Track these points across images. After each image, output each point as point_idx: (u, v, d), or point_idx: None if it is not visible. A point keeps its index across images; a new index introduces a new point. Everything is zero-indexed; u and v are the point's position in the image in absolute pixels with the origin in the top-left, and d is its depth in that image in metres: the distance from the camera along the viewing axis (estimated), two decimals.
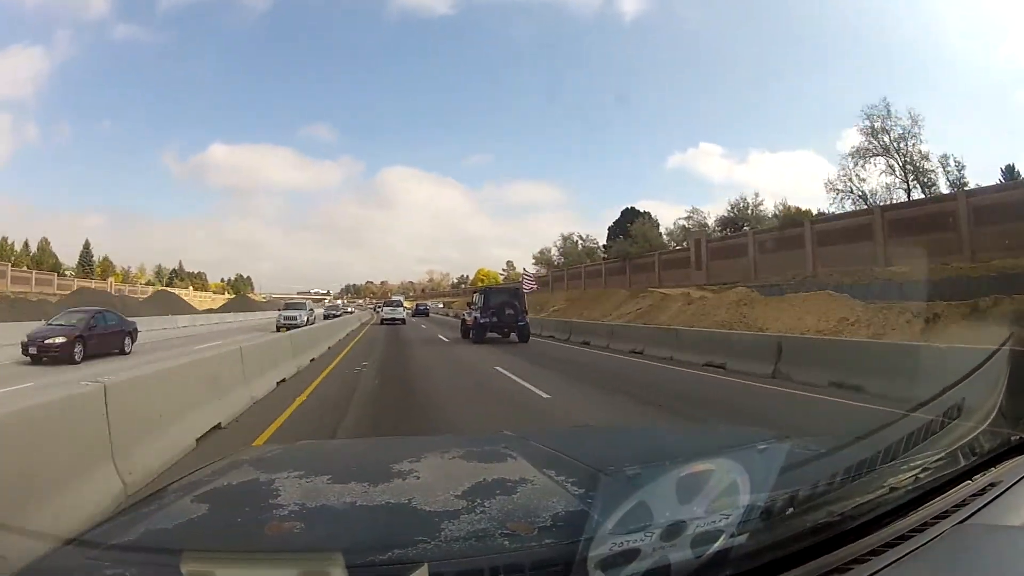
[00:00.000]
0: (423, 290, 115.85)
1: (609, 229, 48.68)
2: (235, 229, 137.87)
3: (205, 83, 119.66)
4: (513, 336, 17.27)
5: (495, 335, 17.28)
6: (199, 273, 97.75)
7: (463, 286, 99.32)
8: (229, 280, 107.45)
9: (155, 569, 0.73)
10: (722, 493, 0.87)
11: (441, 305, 76.91)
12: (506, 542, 0.87)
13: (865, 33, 79.72)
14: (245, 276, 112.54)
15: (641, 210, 46.57)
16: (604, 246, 48.66)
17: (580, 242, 52.25)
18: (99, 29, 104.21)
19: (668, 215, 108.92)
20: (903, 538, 0.92)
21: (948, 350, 6.13)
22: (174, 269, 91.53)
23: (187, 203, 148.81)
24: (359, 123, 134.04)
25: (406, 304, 56.03)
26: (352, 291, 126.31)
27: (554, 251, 54.49)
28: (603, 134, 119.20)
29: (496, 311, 16.87)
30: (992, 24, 50.15)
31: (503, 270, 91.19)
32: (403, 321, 33.36)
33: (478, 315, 17.22)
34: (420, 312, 52.54)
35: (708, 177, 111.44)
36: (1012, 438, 1.26)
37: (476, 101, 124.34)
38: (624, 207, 49.18)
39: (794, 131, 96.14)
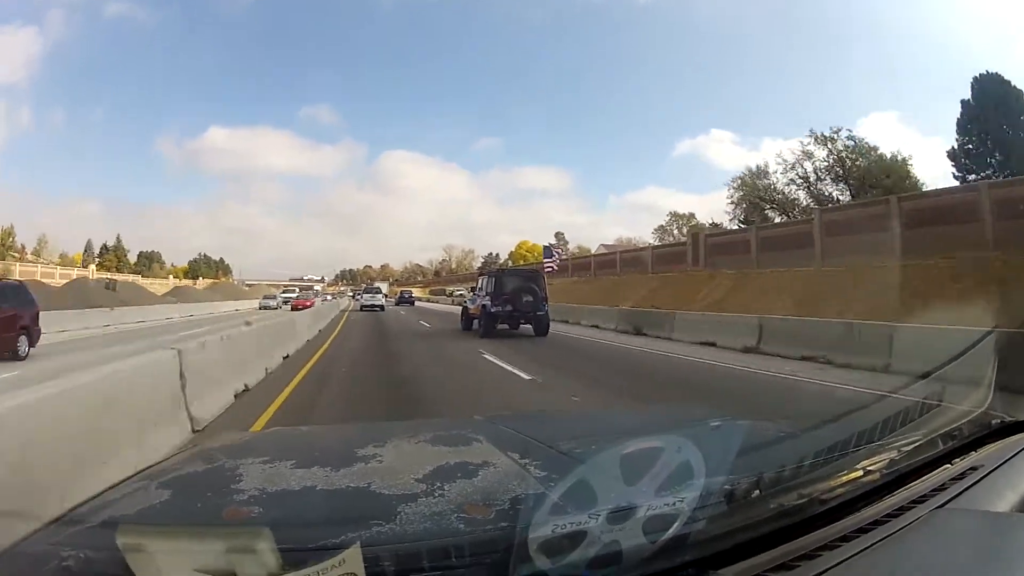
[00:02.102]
0: (437, 273, 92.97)
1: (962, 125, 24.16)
2: (232, 215, 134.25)
3: (199, 63, 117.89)
4: (526, 328, 14.45)
5: (503, 326, 14.39)
6: (151, 252, 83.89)
7: (496, 265, 70.90)
8: (197, 261, 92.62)
9: (108, 552, 0.71)
10: (674, 473, 0.84)
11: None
12: (461, 525, 0.86)
13: (883, 18, 77.37)
14: (217, 259, 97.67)
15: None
16: (963, 145, 23.97)
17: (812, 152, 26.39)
18: (89, 5, 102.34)
19: (676, 204, 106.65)
20: (877, 523, 0.89)
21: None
22: (106, 245, 75.06)
23: (183, 189, 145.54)
24: (360, 105, 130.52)
25: (387, 291, 54.17)
26: (348, 276, 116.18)
27: (728, 202, 31.33)
28: (612, 118, 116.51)
29: (511, 298, 13.82)
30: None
31: (551, 244, 77.47)
32: (382, 308, 32.36)
33: (488, 303, 14.20)
34: (404, 300, 44.55)
35: (719, 164, 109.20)
36: (993, 422, 1.23)
37: (482, 82, 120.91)
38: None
39: (809, 118, 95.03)
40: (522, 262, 60.37)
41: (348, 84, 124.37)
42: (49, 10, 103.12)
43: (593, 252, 54.33)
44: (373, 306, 32.22)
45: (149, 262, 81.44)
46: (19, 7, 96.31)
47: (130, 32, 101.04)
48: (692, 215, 52.59)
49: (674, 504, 0.78)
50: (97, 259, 71.48)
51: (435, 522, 0.86)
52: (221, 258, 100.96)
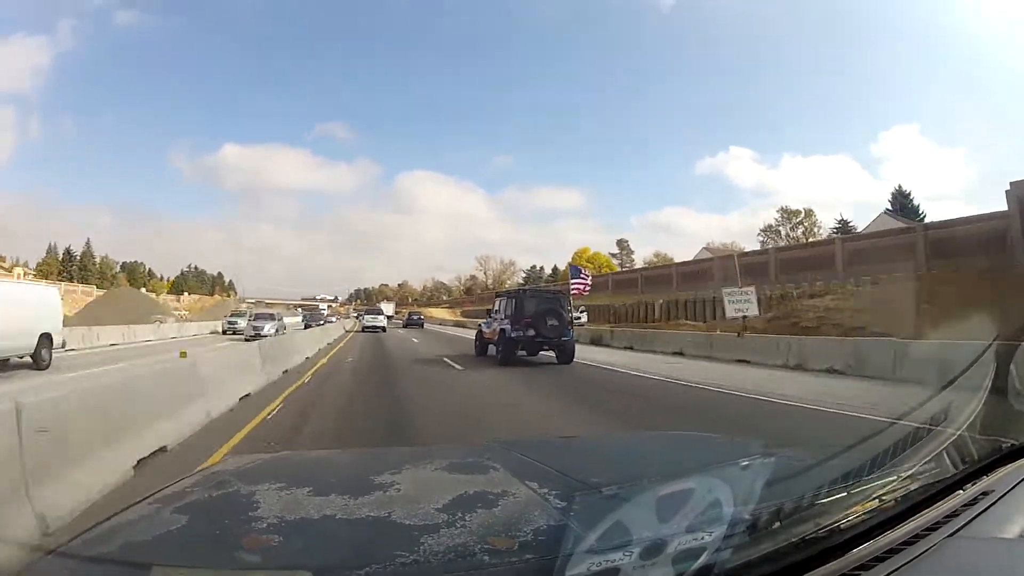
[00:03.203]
0: (468, 291, 78.54)
1: None
2: (245, 232, 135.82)
3: (216, 79, 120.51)
4: (540, 355, 13.23)
5: (522, 353, 13.08)
6: (134, 263, 77.13)
7: (541, 282, 62.71)
8: (185, 274, 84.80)
9: None
10: (704, 510, 0.86)
11: None
12: (486, 557, 0.86)
13: (904, 36, 77.63)
14: (215, 273, 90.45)
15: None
16: None
17: None
18: (102, 19, 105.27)
19: (695, 225, 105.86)
20: (893, 551, 0.91)
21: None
22: (69, 251, 68.46)
23: (199, 206, 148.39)
24: (377, 125, 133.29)
25: (392, 312, 53.41)
26: (362, 296, 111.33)
27: None
28: (630, 137, 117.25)
29: (533, 322, 12.55)
30: None
31: (613, 254, 64.74)
32: (383, 329, 33.23)
33: (507, 327, 12.87)
34: (413, 323, 42.53)
35: (738, 183, 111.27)
36: (1003, 445, 1.24)
37: (500, 102, 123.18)
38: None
39: (829, 133, 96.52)
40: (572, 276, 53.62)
41: (365, 102, 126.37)
42: (60, 22, 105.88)
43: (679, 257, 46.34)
44: (375, 327, 33.19)
45: (112, 273, 74.07)
46: (30, 19, 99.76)
47: (145, 46, 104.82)
48: (810, 210, 44.69)
49: (701, 538, 0.79)
50: (30, 268, 64.09)
51: (459, 554, 0.86)
52: (219, 272, 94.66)
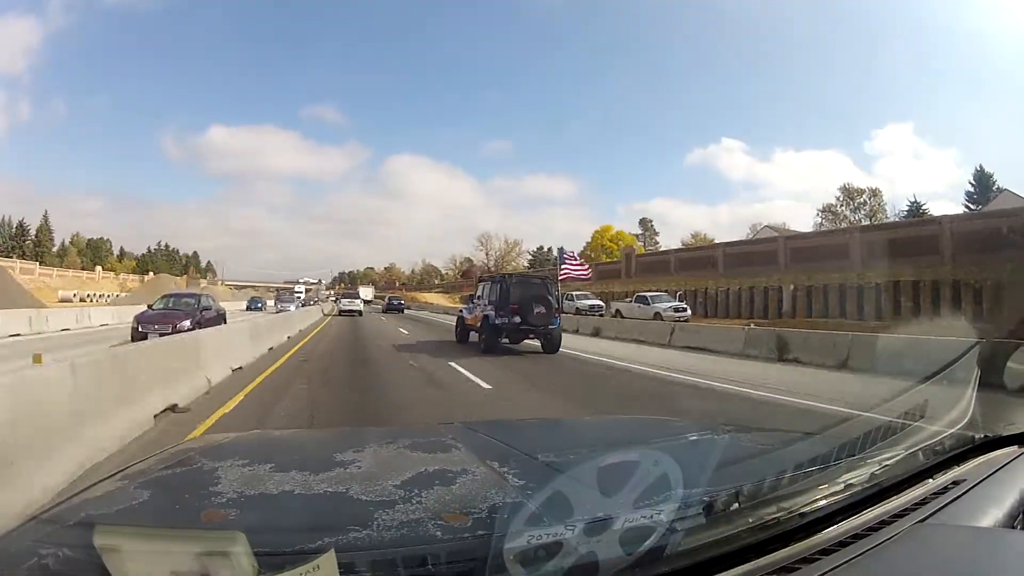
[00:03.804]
0: (465, 274, 68.86)
1: None
2: (232, 215, 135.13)
3: (204, 58, 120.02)
4: (525, 343, 12.75)
5: (504, 341, 12.57)
6: (98, 240, 71.55)
7: (548, 264, 48.48)
8: (154, 253, 77.77)
9: (86, 551, 0.71)
10: (653, 485, 0.83)
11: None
12: (438, 533, 0.85)
13: (899, 33, 77.63)
14: (190, 253, 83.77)
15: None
16: None
17: None
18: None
19: (685, 215, 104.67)
20: (857, 537, 0.89)
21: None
22: (22, 224, 64.25)
23: (186, 189, 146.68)
24: (367, 109, 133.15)
25: (371, 296, 54.17)
26: (347, 279, 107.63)
27: None
28: (621, 127, 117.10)
29: (520, 308, 11.94)
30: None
31: (638, 233, 57.26)
32: (360, 313, 33.71)
33: (491, 313, 12.31)
34: (393, 308, 41.31)
35: (728, 175, 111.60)
36: (976, 436, 1.23)
37: (491, 88, 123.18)
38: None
39: (821, 129, 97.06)
40: (604, 257, 46.57)
41: (355, 85, 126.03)
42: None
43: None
44: (351, 311, 33.87)
45: (64, 252, 69.60)
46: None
47: (132, 23, 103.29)
48: (877, 189, 40.75)
49: (652, 516, 0.77)
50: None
51: (412, 529, 0.85)
52: (194, 252, 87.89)
